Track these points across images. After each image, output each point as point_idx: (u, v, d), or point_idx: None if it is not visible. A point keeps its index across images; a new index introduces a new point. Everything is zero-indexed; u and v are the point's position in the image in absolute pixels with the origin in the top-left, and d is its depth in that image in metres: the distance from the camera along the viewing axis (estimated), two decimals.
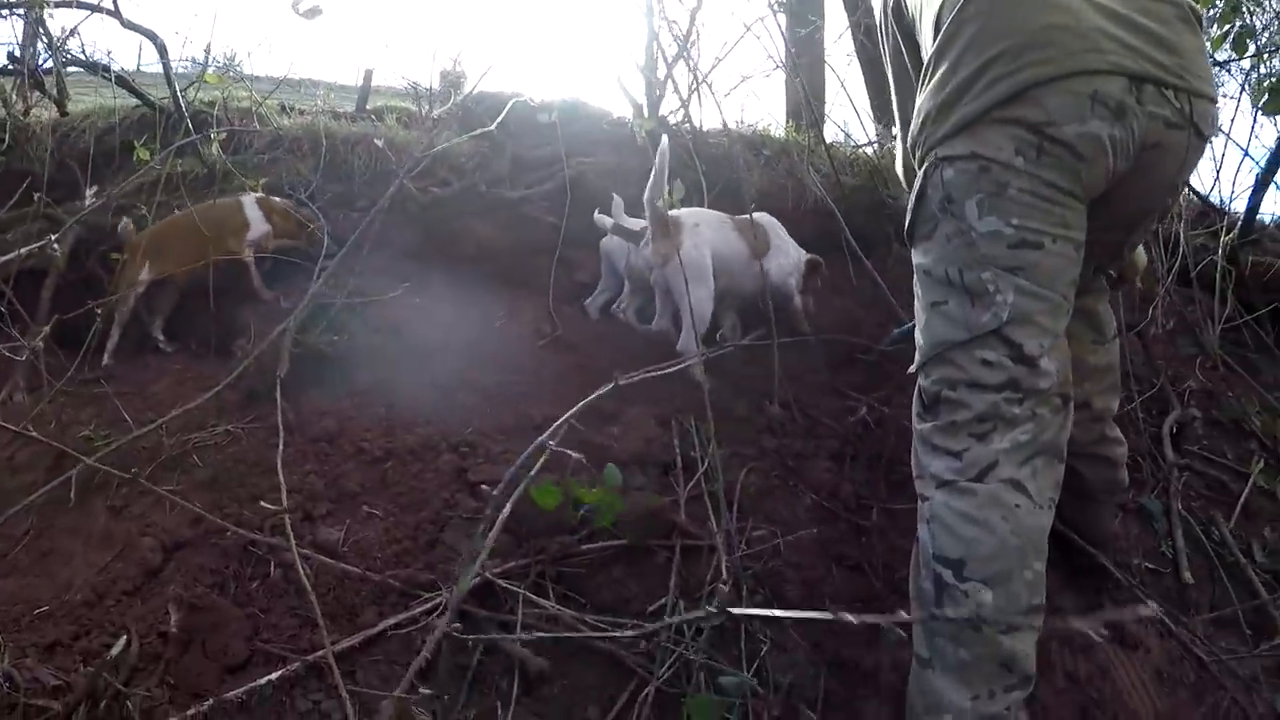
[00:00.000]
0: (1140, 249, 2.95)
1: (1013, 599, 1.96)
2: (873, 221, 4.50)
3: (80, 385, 3.56)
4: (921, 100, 2.18)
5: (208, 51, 6.27)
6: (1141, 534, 3.16)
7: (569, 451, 2.39)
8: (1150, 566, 3.06)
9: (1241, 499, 3.45)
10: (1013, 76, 1.98)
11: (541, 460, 2.56)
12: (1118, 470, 2.74)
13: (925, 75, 2.18)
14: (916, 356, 2.20)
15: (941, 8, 2.15)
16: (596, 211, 3.79)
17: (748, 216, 3.73)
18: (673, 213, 3.57)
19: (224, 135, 4.63)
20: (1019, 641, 1.96)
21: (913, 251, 2.21)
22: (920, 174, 2.15)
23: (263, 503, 2.72)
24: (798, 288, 3.88)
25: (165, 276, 4.02)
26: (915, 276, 2.21)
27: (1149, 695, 2.64)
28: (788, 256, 3.87)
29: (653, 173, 3.40)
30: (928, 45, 2.23)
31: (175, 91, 4.69)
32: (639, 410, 3.15)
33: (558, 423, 2.64)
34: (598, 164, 4.56)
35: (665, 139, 3.41)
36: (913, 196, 2.18)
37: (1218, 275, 4.32)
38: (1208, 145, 2.22)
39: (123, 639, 2.40)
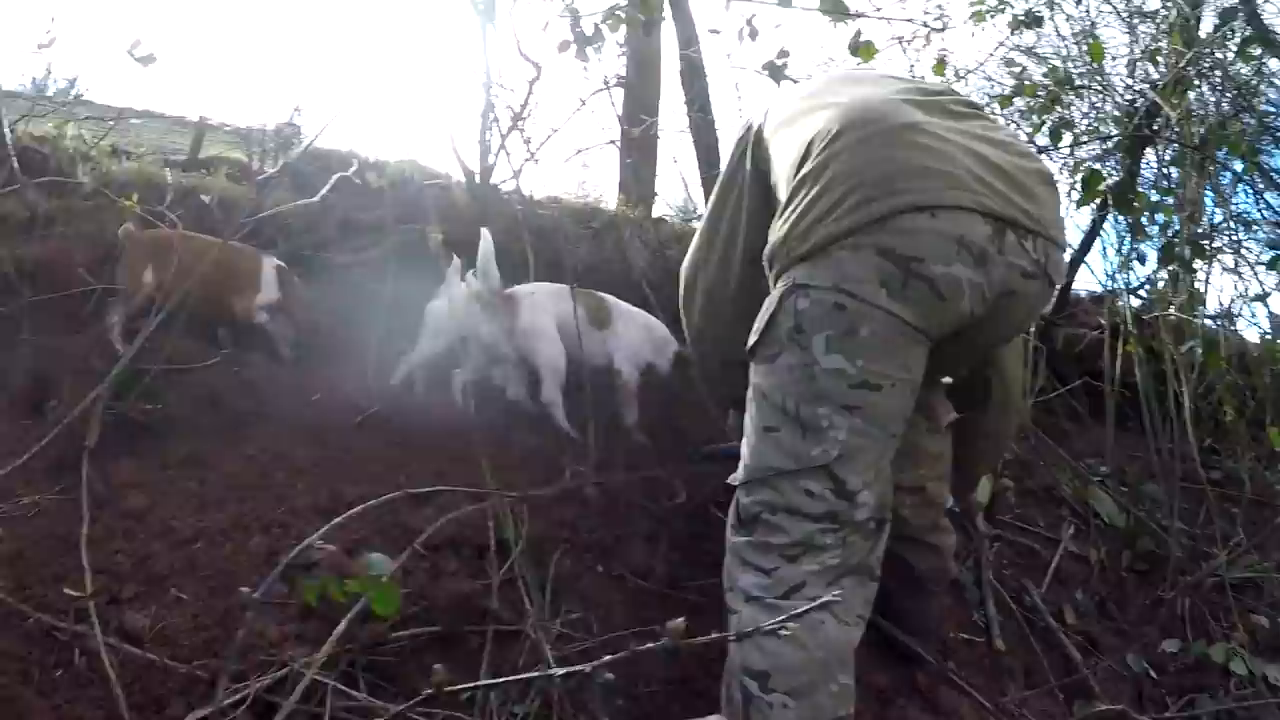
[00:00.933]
0: (985, 483, 3.14)
1: (818, 711, 2.02)
2: None
3: None
4: (781, 222, 2.19)
5: (47, 73, 6.07)
6: (954, 605, 3.29)
7: (325, 545, 2.43)
8: (964, 637, 3.20)
9: (1053, 565, 3.65)
10: (884, 200, 2.01)
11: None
12: (946, 560, 2.85)
13: (788, 202, 2.20)
14: (740, 471, 2.24)
15: (812, 140, 2.19)
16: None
17: (589, 291, 3.92)
18: (510, 290, 3.74)
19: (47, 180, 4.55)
20: None
21: (752, 368, 2.24)
22: (775, 296, 2.16)
23: (66, 589, 2.65)
24: (637, 379, 3.95)
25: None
26: (750, 392, 2.24)
27: None
28: (632, 340, 3.94)
29: (479, 260, 3.52)
30: (785, 177, 2.27)
31: (4, 132, 4.57)
32: (453, 495, 3.17)
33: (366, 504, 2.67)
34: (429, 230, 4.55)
35: (486, 232, 3.61)
36: (763, 316, 2.19)
37: (1029, 350, 4.51)
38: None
39: None
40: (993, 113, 3.66)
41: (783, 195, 2.26)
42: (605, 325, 3.89)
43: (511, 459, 3.42)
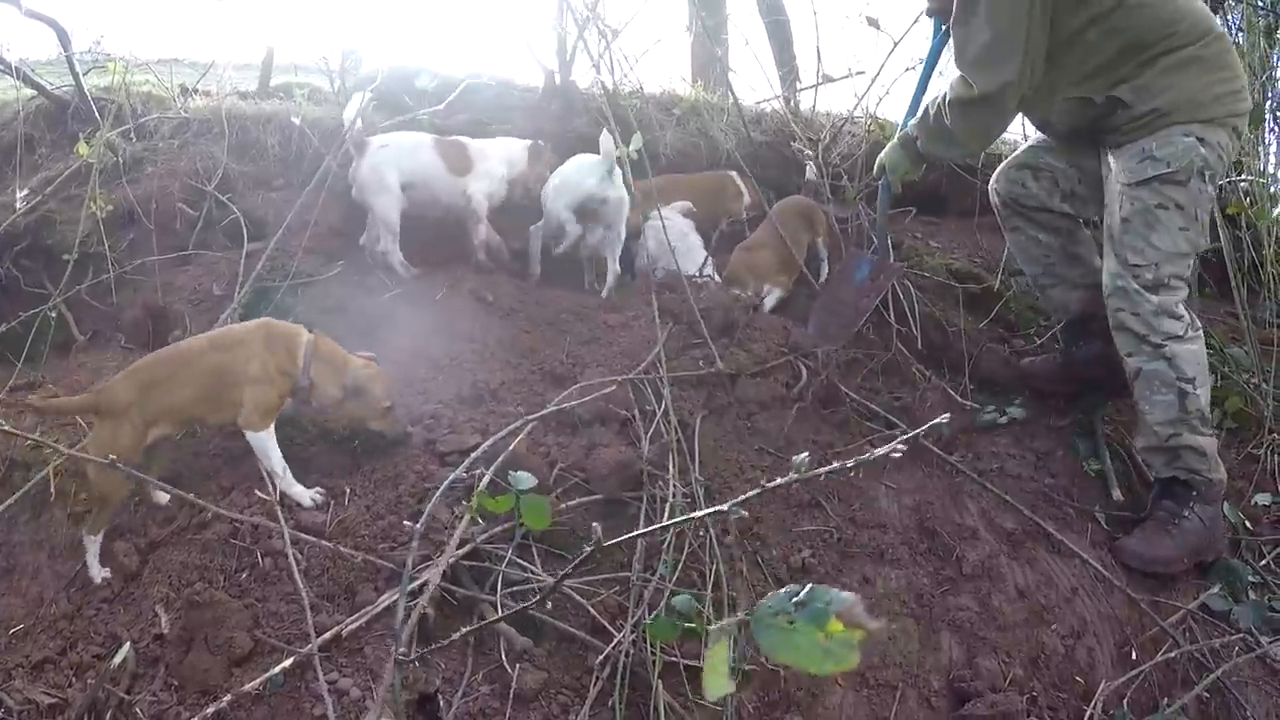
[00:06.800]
0: None
1: (1206, 385, 3.31)
2: (783, 175, 4.61)
3: (10, 394, 3.44)
4: (1182, 78, 3.17)
5: (99, 42, 6.01)
6: (1067, 456, 3.75)
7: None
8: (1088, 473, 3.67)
9: None
10: (1245, 101, 3.27)
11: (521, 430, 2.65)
12: None
13: (1188, 59, 3.17)
14: (1149, 253, 3.23)
15: (1193, 23, 3.18)
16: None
17: (452, 138, 4.14)
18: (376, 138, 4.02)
19: (130, 125, 4.55)
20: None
21: (1167, 186, 3.22)
22: (1178, 138, 3.18)
23: (257, 491, 2.74)
24: (497, 191, 4.11)
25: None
26: (1164, 202, 3.22)
27: (1089, 599, 3.03)
28: (488, 181, 4.07)
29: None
30: (1155, 30, 3.16)
31: (80, 81, 4.57)
32: (591, 370, 3.26)
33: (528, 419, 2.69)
34: (514, 130, 4.53)
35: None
36: (1174, 153, 3.18)
37: None
38: None
39: (126, 646, 2.40)
40: None
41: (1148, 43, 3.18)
42: (465, 171, 4.06)
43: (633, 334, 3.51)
